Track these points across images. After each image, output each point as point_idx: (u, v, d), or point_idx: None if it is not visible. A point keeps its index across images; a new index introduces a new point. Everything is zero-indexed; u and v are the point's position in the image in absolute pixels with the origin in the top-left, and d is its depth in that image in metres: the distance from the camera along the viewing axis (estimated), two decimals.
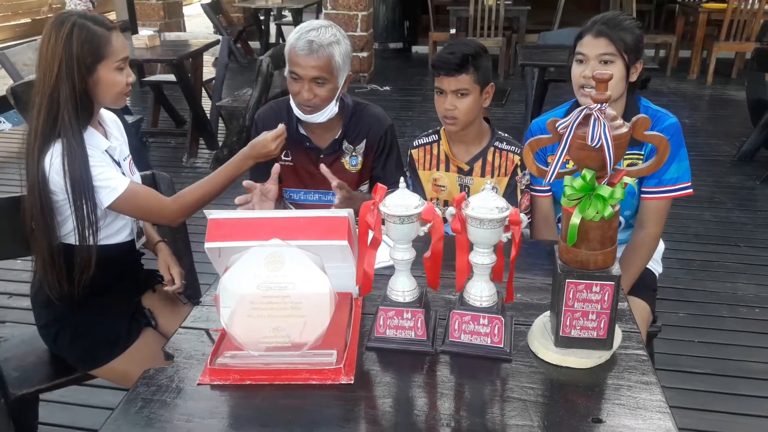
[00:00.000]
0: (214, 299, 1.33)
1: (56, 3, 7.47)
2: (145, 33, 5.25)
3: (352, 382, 1.29)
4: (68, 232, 1.77)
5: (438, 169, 2.17)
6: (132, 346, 1.86)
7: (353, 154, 2.21)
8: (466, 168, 2.13)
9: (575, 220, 1.25)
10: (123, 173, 1.84)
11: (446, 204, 2.17)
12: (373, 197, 1.34)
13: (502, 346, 1.35)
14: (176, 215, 1.87)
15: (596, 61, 1.88)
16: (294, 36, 2.02)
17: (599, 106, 1.20)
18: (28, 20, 11.08)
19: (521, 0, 8.25)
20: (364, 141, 2.21)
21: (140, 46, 4.99)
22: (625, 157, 1.86)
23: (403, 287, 1.38)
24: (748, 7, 6.88)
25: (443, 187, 2.17)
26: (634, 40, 1.88)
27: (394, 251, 1.36)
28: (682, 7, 8.06)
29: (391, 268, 1.41)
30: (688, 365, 2.74)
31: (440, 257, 1.34)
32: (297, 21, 8.69)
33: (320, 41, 1.97)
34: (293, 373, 1.30)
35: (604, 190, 1.23)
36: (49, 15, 8.27)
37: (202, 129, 5.30)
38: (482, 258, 1.32)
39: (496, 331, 1.35)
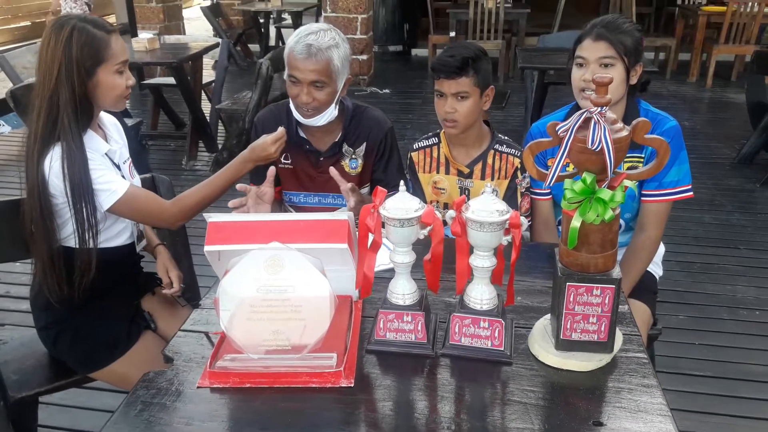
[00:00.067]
0: (213, 302, 1.33)
1: (57, 6, 7.51)
2: (144, 36, 5.25)
3: (352, 385, 1.28)
4: (68, 235, 1.76)
5: (438, 172, 2.17)
6: (131, 349, 1.86)
7: (353, 156, 2.21)
8: (466, 171, 2.13)
9: (575, 223, 1.25)
10: (123, 176, 1.84)
11: (446, 207, 2.16)
12: (373, 200, 1.34)
13: (502, 349, 1.35)
14: (176, 218, 1.87)
15: (596, 65, 1.88)
16: (293, 39, 2.02)
17: (599, 109, 1.20)
18: (28, 23, 11.09)
19: (521, 3, 8.27)
20: (364, 144, 2.20)
21: (140, 49, 5.00)
22: (626, 160, 1.86)
23: (403, 290, 1.38)
24: (748, 10, 6.89)
25: (443, 189, 2.17)
26: (633, 42, 1.88)
27: (394, 254, 1.36)
28: (682, 10, 8.08)
29: (391, 271, 1.41)
30: (689, 368, 2.74)
31: (440, 260, 1.34)
32: (297, 24, 8.70)
33: (319, 45, 1.97)
34: (293, 376, 1.30)
35: (605, 194, 1.23)
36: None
37: (201, 132, 5.30)
38: (482, 261, 1.32)
39: (496, 334, 1.35)
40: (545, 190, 2.08)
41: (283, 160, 2.19)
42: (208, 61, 6.04)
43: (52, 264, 1.75)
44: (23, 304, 3.10)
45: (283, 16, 9.66)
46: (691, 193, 1.98)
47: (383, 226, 1.33)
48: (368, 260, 1.34)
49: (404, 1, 9.11)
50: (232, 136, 4.84)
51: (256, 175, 2.19)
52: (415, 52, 9.49)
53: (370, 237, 1.32)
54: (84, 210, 1.70)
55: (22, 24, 11.10)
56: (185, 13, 9.58)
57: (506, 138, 2.16)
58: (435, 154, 2.18)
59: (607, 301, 1.29)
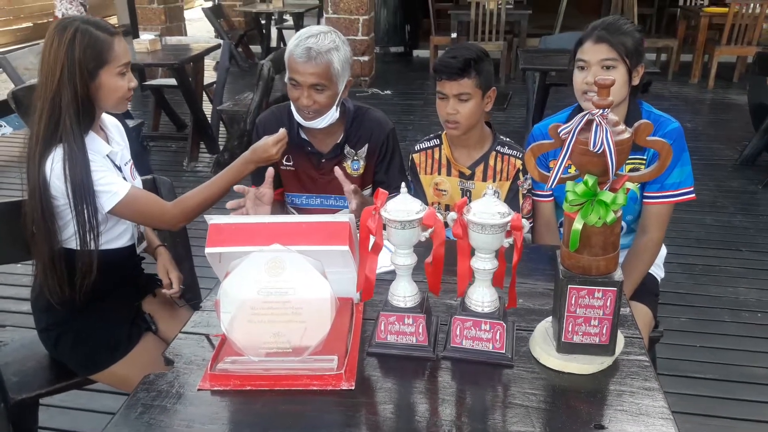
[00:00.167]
0: (214, 304, 1.33)
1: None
2: (146, 37, 5.26)
3: (353, 387, 1.28)
4: (69, 236, 1.76)
5: (439, 174, 2.17)
6: (132, 351, 1.85)
7: (355, 158, 2.21)
8: (468, 172, 2.12)
9: (577, 225, 1.25)
10: (124, 178, 1.83)
11: (448, 208, 2.16)
12: (374, 202, 1.33)
13: (503, 351, 1.35)
14: (177, 220, 1.86)
15: (598, 67, 1.87)
16: (293, 42, 2.01)
17: (601, 111, 1.20)
18: (30, 24, 11.11)
19: (522, 4, 8.27)
20: (366, 145, 2.20)
21: (141, 50, 5.00)
22: (628, 162, 1.85)
23: (404, 292, 1.38)
24: (750, 11, 6.88)
25: (445, 191, 2.17)
26: (634, 43, 1.88)
27: (395, 256, 1.36)
28: (684, 12, 8.07)
29: (393, 273, 1.40)
30: (690, 370, 2.73)
31: (441, 262, 1.34)
32: (298, 25, 8.70)
33: (318, 48, 1.97)
34: (294, 379, 1.29)
35: (607, 196, 1.22)
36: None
37: (203, 133, 5.30)
38: (484, 263, 1.32)
39: (497, 337, 1.34)
40: (547, 191, 2.08)
41: (284, 162, 2.19)
42: (209, 63, 6.06)
43: (53, 265, 1.75)
44: (24, 305, 3.10)
45: (284, 17, 9.67)
46: (693, 195, 1.98)
47: (384, 228, 1.32)
48: (369, 262, 1.34)
49: (406, 2, 9.12)
50: (234, 137, 4.84)
51: (258, 177, 2.19)
52: (416, 53, 9.49)
53: (372, 239, 1.32)
54: (85, 212, 1.70)
55: (24, 25, 11.12)
56: (187, 14, 9.59)
57: (508, 139, 2.16)
58: (436, 156, 2.17)
59: (608, 304, 1.29)
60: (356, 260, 1.41)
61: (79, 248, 1.75)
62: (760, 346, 2.88)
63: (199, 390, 1.29)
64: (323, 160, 2.19)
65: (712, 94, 7.20)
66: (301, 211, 2.26)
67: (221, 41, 5.75)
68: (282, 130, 1.97)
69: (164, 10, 8.12)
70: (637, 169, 1.93)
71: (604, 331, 1.31)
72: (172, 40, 6.01)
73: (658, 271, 2.18)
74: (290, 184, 2.24)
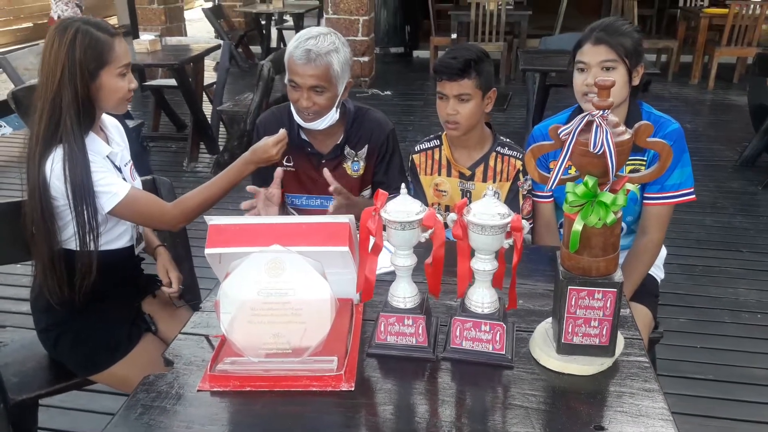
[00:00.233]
0: (214, 305, 1.33)
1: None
2: (146, 37, 5.26)
3: (352, 388, 1.28)
4: (69, 237, 1.76)
5: (439, 174, 2.17)
6: (132, 352, 1.85)
7: (355, 159, 2.21)
8: (468, 173, 2.12)
9: (577, 226, 1.25)
10: (124, 179, 1.83)
11: (447, 209, 2.16)
12: (374, 203, 1.33)
13: (503, 352, 1.35)
14: (177, 220, 1.86)
15: (598, 69, 1.87)
16: (293, 44, 2.02)
17: (601, 112, 1.20)
18: (30, 24, 11.11)
19: (522, 5, 8.27)
20: (366, 146, 2.20)
21: (141, 50, 5.00)
22: (628, 163, 1.85)
23: (404, 293, 1.38)
24: (750, 12, 6.88)
25: (445, 192, 2.17)
26: (633, 44, 1.88)
27: (395, 257, 1.36)
28: (684, 12, 8.07)
29: (392, 274, 1.40)
30: (690, 371, 2.73)
31: (441, 264, 1.34)
32: (298, 25, 8.71)
33: (318, 50, 1.97)
34: (293, 380, 1.29)
35: (607, 197, 1.22)
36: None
37: (203, 133, 5.30)
38: (484, 264, 1.32)
39: (497, 338, 1.34)
40: (547, 192, 2.08)
41: (285, 163, 2.19)
42: (209, 63, 6.06)
43: (52, 266, 1.75)
44: (24, 305, 3.10)
45: (284, 17, 9.67)
46: (694, 196, 1.98)
47: (384, 229, 1.32)
48: (369, 263, 1.34)
49: (406, 2, 9.12)
50: (234, 137, 4.84)
51: (258, 177, 2.19)
52: (416, 53, 9.49)
53: (371, 240, 1.32)
54: (85, 212, 1.70)
55: (24, 25, 11.12)
56: (187, 14, 9.59)
57: (508, 140, 2.16)
58: (436, 157, 2.17)
59: (608, 305, 1.29)
60: (356, 261, 1.41)
61: (78, 249, 1.74)
62: (760, 347, 2.88)
63: (198, 391, 1.29)
64: (323, 161, 2.19)
65: (712, 95, 7.20)
66: (301, 211, 2.26)
67: (221, 42, 5.75)
68: (282, 131, 1.97)
69: (164, 10, 8.12)
70: (638, 170, 1.93)
71: (604, 333, 1.31)
72: (172, 40, 6.01)
73: (658, 272, 2.18)
74: (290, 185, 2.24)
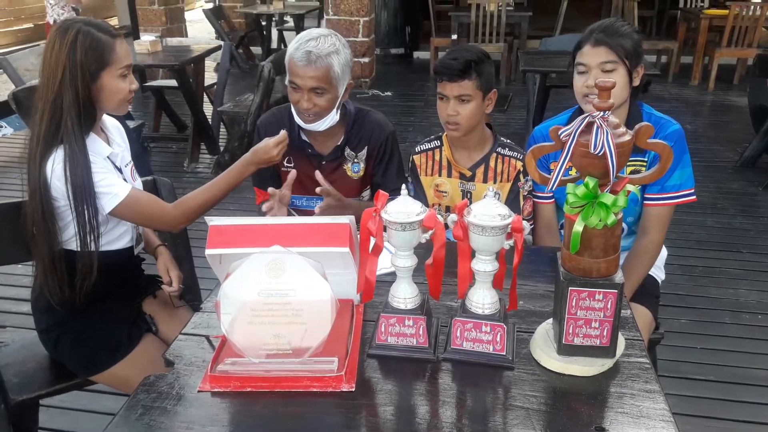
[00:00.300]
0: (214, 306, 1.33)
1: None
2: (147, 38, 5.26)
3: (353, 389, 1.28)
4: (69, 238, 1.76)
5: (440, 175, 2.17)
6: (132, 352, 1.85)
7: (355, 160, 2.21)
8: (468, 174, 2.12)
9: (578, 227, 1.25)
10: (124, 179, 1.83)
11: (448, 210, 2.16)
12: (374, 204, 1.33)
13: (504, 353, 1.35)
14: (178, 221, 1.86)
15: (598, 70, 1.87)
16: (293, 46, 2.02)
17: (602, 113, 1.20)
18: (31, 25, 11.12)
19: (523, 6, 8.27)
20: (366, 147, 2.20)
21: (142, 51, 5.00)
22: (628, 164, 1.85)
23: (404, 294, 1.38)
24: (750, 13, 6.88)
25: (445, 193, 2.17)
26: (633, 44, 1.88)
27: (395, 258, 1.36)
28: (684, 14, 8.07)
29: (393, 274, 1.40)
30: (691, 372, 2.73)
31: (442, 265, 1.34)
32: (299, 26, 8.71)
33: (318, 52, 1.97)
34: (294, 381, 1.29)
35: (607, 198, 1.22)
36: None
37: (203, 134, 5.30)
38: (484, 265, 1.32)
39: (498, 339, 1.34)
40: (548, 193, 2.08)
41: (285, 164, 2.19)
42: (210, 64, 6.06)
43: (53, 266, 1.75)
44: (24, 306, 3.10)
45: (285, 18, 9.67)
46: (694, 197, 1.98)
47: (385, 230, 1.32)
48: (370, 264, 1.34)
49: (406, 3, 9.12)
50: (234, 138, 4.85)
51: (258, 178, 2.19)
52: (416, 54, 9.49)
53: (372, 240, 1.32)
54: (86, 213, 1.70)
55: (25, 26, 11.13)
56: (187, 15, 9.60)
57: (508, 141, 2.16)
58: (437, 157, 2.17)
59: (609, 306, 1.29)
60: (356, 262, 1.41)
61: (79, 249, 1.75)
62: (761, 348, 2.88)
63: (199, 391, 1.29)
64: (324, 162, 2.19)
65: (713, 96, 7.21)
66: (301, 212, 2.26)
67: (222, 42, 5.75)
68: (283, 132, 1.97)
69: (165, 11, 8.13)
70: (638, 171, 1.93)
71: (604, 333, 1.31)
72: (173, 41, 6.01)
73: (658, 272, 2.18)
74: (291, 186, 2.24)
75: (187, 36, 8.65)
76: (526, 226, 1.30)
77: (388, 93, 7.40)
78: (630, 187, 1.27)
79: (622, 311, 1.40)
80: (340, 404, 1.25)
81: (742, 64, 7.69)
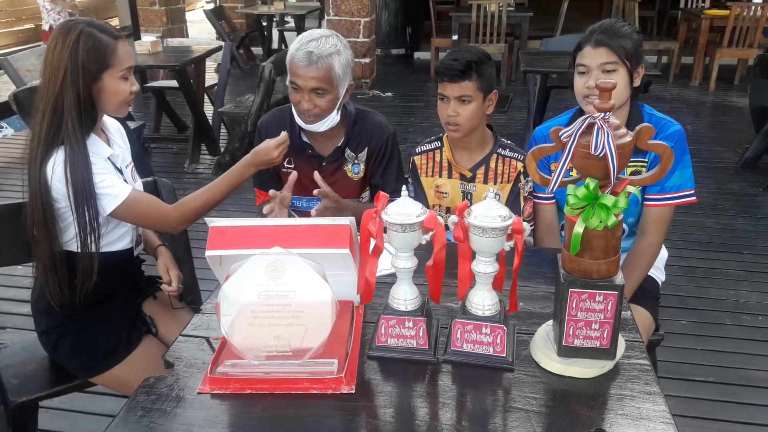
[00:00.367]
0: (214, 307, 1.33)
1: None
2: (147, 39, 5.26)
3: (353, 391, 1.28)
4: (70, 239, 1.76)
5: (440, 176, 2.17)
6: (132, 354, 1.85)
7: (355, 161, 2.21)
8: (469, 175, 2.12)
9: (578, 229, 1.25)
10: (125, 180, 1.83)
11: (448, 211, 2.16)
12: (375, 205, 1.33)
13: (504, 355, 1.34)
14: (178, 223, 1.86)
15: (598, 71, 1.87)
16: (294, 46, 2.02)
17: (603, 114, 1.20)
18: (32, 26, 11.12)
19: (524, 6, 8.27)
20: (366, 149, 2.20)
21: (143, 52, 5.00)
22: (629, 164, 1.85)
23: (404, 296, 1.38)
24: (750, 14, 6.88)
25: (445, 194, 2.16)
26: (633, 45, 1.88)
27: (395, 259, 1.36)
28: (685, 14, 8.07)
29: (393, 276, 1.40)
30: (691, 373, 2.73)
31: (442, 266, 1.34)
32: (299, 27, 8.72)
33: (320, 52, 1.97)
34: (294, 382, 1.29)
35: (608, 200, 1.22)
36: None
37: (204, 135, 5.30)
38: (485, 267, 1.32)
39: (498, 341, 1.34)
40: (549, 194, 2.08)
41: (285, 165, 2.19)
42: (210, 64, 6.06)
43: (53, 267, 1.75)
44: (24, 307, 3.10)
45: (286, 19, 9.68)
46: (694, 198, 1.97)
47: (385, 231, 1.32)
48: (370, 265, 1.33)
49: (407, 4, 9.12)
50: (235, 139, 4.85)
51: (259, 180, 2.19)
52: (417, 55, 9.50)
53: (372, 242, 1.31)
54: (86, 214, 1.70)
55: (26, 27, 11.13)
56: (188, 16, 9.60)
57: (509, 142, 2.16)
58: (438, 158, 2.17)
59: (609, 308, 1.28)
60: (356, 263, 1.41)
61: (79, 251, 1.74)
62: (761, 349, 2.88)
63: (199, 393, 1.29)
64: (324, 163, 2.19)
65: (713, 97, 7.20)
66: (301, 214, 2.26)
67: (222, 43, 5.76)
68: (284, 134, 1.97)
69: (166, 11, 8.14)
70: (639, 172, 1.93)
71: (605, 335, 1.30)
72: (174, 41, 6.01)
73: (658, 274, 2.17)
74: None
75: (187, 36, 8.66)
76: (527, 227, 1.30)
77: (389, 93, 7.40)
78: (630, 189, 1.27)
79: (623, 313, 1.40)
80: (340, 406, 1.25)
81: (742, 64, 7.69)
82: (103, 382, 1.89)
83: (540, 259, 1.85)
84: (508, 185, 2.11)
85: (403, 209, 1.30)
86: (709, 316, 3.15)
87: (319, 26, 8.40)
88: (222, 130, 5.72)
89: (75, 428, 2.44)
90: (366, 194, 2.29)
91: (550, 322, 1.43)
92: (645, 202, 1.98)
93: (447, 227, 1.35)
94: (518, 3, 8.63)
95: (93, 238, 1.73)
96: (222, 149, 5.37)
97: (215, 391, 1.29)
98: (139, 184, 1.95)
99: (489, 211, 1.27)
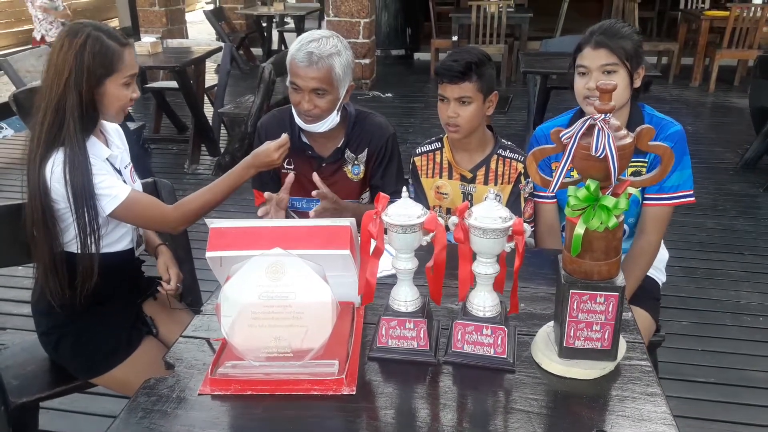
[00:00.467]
0: (215, 308, 1.33)
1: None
2: (147, 40, 5.26)
3: (353, 392, 1.28)
4: (70, 239, 1.76)
5: (441, 177, 2.17)
6: (132, 355, 1.85)
7: (355, 162, 2.21)
8: (469, 176, 2.12)
9: (579, 230, 1.24)
10: (124, 181, 1.83)
11: (449, 212, 2.16)
12: (375, 206, 1.33)
13: (505, 356, 1.34)
14: (177, 223, 1.86)
15: (599, 72, 1.87)
16: (295, 46, 2.02)
17: (603, 116, 1.20)
18: (32, 27, 11.09)
19: (523, 7, 8.27)
20: (366, 150, 2.20)
21: (143, 52, 5.00)
22: (629, 165, 1.85)
23: (405, 297, 1.38)
24: (750, 14, 6.88)
25: (446, 194, 2.16)
26: (633, 46, 1.88)
27: (396, 260, 1.36)
28: (685, 15, 8.07)
29: (393, 277, 1.40)
30: (692, 374, 2.73)
31: (443, 268, 1.33)
32: (299, 28, 8.72)
33: (320, 53, 1.96)
34: (294, 384, 1.29)
35: (609, 201, 1.22)
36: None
37: (204, 136, 5.30)
38: (485, 268, 1.31)
39: (499, 342, 1.34)
40: (549, 193, 2.07)
41: (285, 166, 2.19)
42: (210, 65, 6.07)
43: (54, 267, 1.75)
44: (25, 308, 3.10)
45: (285, 20, 9.68)
46: (693, 198, 1.97)
47: (386, 232, 1.32)
48: (370, 266, 1.33)
49: (407, 5, 9.13)
50: (235, 139, 4.85)
51: (258, 181, 2.19)
52: (417, 56, 9.49)
53: (373, 243, 1.31)
54: (86, 215, 1.70)
55: (26, 27, 11.11)
56: (188, 16, 9.60)
57: (509, 143, 2.15)
58: (438, 159, 2.17)
59: (610, 309, 1.28)
60: (357, 264, 1.41)
61: (79, 252, 1.74)
62: (762, 350, 2.88)
63: (199, 394, 1.29)
64: (324, 165, 2.19)
65: (713, 98, 7.20)
66: (301, 215, 2.26)
67: (222, 44, 5.76)
68: (284, 136, 1.97)
69: (165, 12, 8.14)
70: (639, 172, 1.92)
71: (606, 337, 1.30)
72: (174, 42, 6.02)
73: (659, 275, 2.17)
74: (291, 188, 2.23)
75: (187, 37, 8.65)
76: (528, 228, 1.30)
77: (389, 94, 7.40)
78: (631, 190, 1.27)
79: (624, 314, 1.40)
80: (340, 407, 1.25)
81: (742, 65, 7.69)
82: (104, 383, 1.89)
83: (541, 260, 1.85)
84: (508, 186, 2.10)
85: (403, 210, 1.30)
86: (709, 317, 3.15)
87: (319, 27, 8.40)
88: (222, 131, 5.72)
89: (75, 429, 2.44)
90: (366, 195, 2.29)
91: (551, 323, 1.43)
92: (644, 202, 1.98)
93: (447, 228, 1.35)
94: (518, 4, 8.63)
95: (93, 239, 1.73)
96: (222, 150, 5.37)
97: (216, 393, 1.29)
98: (138, 184, 1.95)
99: (490, 213, 1.27)
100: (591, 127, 1.22)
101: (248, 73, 8.45)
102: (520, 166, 2.09)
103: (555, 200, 2.09)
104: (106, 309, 1.87)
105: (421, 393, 1.30)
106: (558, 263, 1.35)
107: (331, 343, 1.30)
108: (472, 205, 1.32)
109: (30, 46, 7.85)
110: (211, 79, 5.90)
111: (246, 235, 1.38)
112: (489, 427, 1.19)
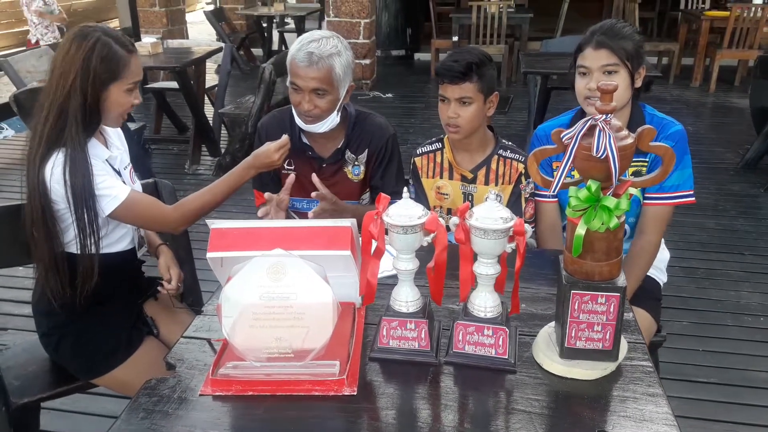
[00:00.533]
0: (216, 309, 1.33)
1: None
2: (148, 40, 5.26)
3: (355, 393, 1.28)
4: (70, 240, 1.76)
5: (441, 177, 2.17)
6: (133, 355, 1.85)
7: (356, 163, 2.21)
8: (470, 176, 2.12)
9: (580, 231, 1.24)
10: (123, 182, 1.84)
11: (449, 212, 2.16)
12: (375, 207, 1.33)
13: (506, 357, 1.34)
14: (177, 223, 1.86)
15: (600, 73, 1.87)
16: (295, 47, 2.02)
17: (604, 116, 1.19)
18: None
19: (524, 7, 8.27)
20: (366, 150, 2.20)
21: (143, 53, 4.99)
22: (630, 165, 1.84)
23: (406, 297, 1.38)
24: (751, 15, 6.88)
25: (446, 195, 2.16)
26: (634, 46, 1.88)
27: (397, 261, 1.36)
28: (685, 15, 8.07)
29: (394, 277, 1.40)
30: (693, 374, 2.72)
31: (444, 268, 1.33)
32: (300, 28, 8.72)
33: (320, 53, 1.97)
34: (296, 384, 1.29)
35: (610, 201, 1.22)
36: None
37: (204, 136, 5.31)
38: (486, 268, 1.31)
39: (500, 342, 1.34)
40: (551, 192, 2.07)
41: (285, 166, 2.19)
42: (211, 66, 6.07)
43: (54, 266, 1.75)
44: (26, 308, 3.10)
45: (286, 20, 9.68)
46: (693, 198, 1.97)
47: (386, 233, 1.32)
48: (371, 267, 1.33)
49: (407, 5, 9.13)
50: (235, 140, 4.85)
51: (259, 182, 2.19)
52: (417, 56, 9.49)
53: (374, 243, 1.31)
54: (85, 215, 1.70)
55: (26, 28, 11.12)
56: (188, 17, 9.60)
57: (510, 143, 2.15)
58: (438, 159, 2.17)
59: (612, 310, 1.28)
60: (358, 265, 1.41)
61: (79, 252, 1.74)
62: (762, 350, 2.88)
63: (200, 395, 1.29)
64: (324, 165, 2.19)
65: (714, 98, 7.20)
66: (302, 215, 2.26)
67: (223, 44, 5.76)
68: (285, 137, 1.97)
69: (166, 13, 8.14)
70: (640, 172, 1.92)
71: (607, 337, 1.30)
72: (174, 43, 6.02)
73: (660, 275, 2.17)
74: (291, 189, 2.23)
75: (187, 38, 8.66)
76: (528, 228, 1.30)
77: (389, 95, 7.40)
78: (632, 190, 1.26)
79: (625, 314, 1.40)
80: (341, 408, 1.25)
81: (743, 65, 7.69)
82: (105, 384, 1.89)
83: (542, 260, 1.85)
84: (509, 186, 2.10)
85: (404, 211, 1.30)
86: (710, 317, 3.15)
87: (319, 27, 8.40)
88: (222, 132, 5.72)
89: (76, 429, 2.44)
90: (366, 196, 2.29)
91: (552, 323, 1.43)
92: (644, 201, 1.98)
93: (448, 229, 1.35)
94: (518, 4, 8.63)
95: (93, 240, 1.74)
96: (222, 150, 5.37)
97: (217, 393, 1.29)
98: (138, 185, 1.95)
99: (490, 213, 1.27)
100: (592, 128, 1.22)
101: (249, 73, 8.45)
102: (521, 166, 2.09)
103: (556, 199, 2.09)
104: (107, 309, 1.87)
105: (422, 393, 1.30)
106: (559, 264, 1.35)
107: (332, 344, 1.30)
108: (472, 206, 1.32)
109: (25, 49, 7.85)
110: (211, 79, 5.90)
111: (247, 235, 1.38)
112: (490, 428, 1.19)
